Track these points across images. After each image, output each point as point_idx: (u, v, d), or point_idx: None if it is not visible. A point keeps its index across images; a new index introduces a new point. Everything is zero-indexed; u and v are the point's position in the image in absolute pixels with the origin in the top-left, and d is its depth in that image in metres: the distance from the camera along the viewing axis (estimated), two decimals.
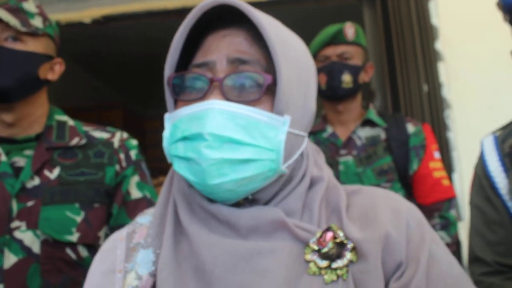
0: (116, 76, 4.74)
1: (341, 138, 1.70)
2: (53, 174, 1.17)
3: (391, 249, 0.63)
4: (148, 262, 0.66)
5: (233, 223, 0.63)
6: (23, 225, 1.11)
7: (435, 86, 2.20)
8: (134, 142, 1.29)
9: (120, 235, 0.74)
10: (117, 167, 1.22)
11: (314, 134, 1.72)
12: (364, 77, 1.71)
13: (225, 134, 0.59)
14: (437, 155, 1.70)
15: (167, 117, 0.67)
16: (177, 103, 0.67)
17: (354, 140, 1.69)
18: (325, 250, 0.61)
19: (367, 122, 1.72)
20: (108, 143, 1.25)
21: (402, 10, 2.29)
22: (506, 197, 0.98)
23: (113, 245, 0.72)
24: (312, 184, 0.69)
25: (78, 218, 1.14)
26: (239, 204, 0.66)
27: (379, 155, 1.65)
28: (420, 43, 2.24)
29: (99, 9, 2.60)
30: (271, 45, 0.61)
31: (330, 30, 1.68)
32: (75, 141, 1.22)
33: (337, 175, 1.63)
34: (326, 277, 0.60)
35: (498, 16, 1.03)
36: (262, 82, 0.62)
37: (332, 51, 1.67)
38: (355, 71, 1.66)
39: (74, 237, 1.13)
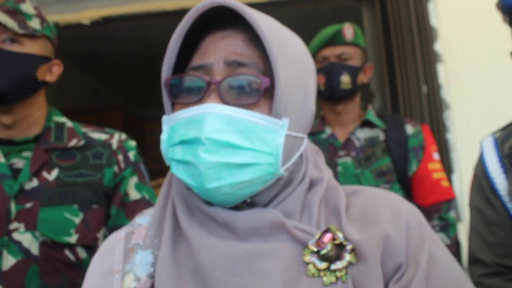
0: (115, 78, 4.74)
1: (339, 139, 1.70)
2: (52, 175, 1.16)
3: (391, 251, 0.63)
4: (147, 263, 0.66)
5: (232, 226, 0.62)
6: (21, 226, 1.10)
7: (434, 87, 2.20)
8: (132, 143, 1.29)
9: (118, 235, 0.73)
10: (116, 168, 1.22)
11: (313, 135, 1.72)
12: (362, 78, 1.71)
13: (223, 138, 0.59)
14: (436, 156, 1.70)
15: (165, 119, 0.67)
16: (174, 106, 0.67)
17: (352, 141, 1.69)
18: (324, 251, 0.61)
19: (366, 123, 1.71)
20: (106, 144, 1.25)
21: (401, 11, 2.29)
22: (505, 198, 0.98)
23: (111, 246, 0.72)
24: (312, 185, 0.68)
25: (77, 220, 1.14)
26: (238, 207, 0.65)
27: (378, 156, 1.65)
28: (419, 44, 2.24)
29: (98, 11, 2.60)
30: (269, 47, 0.60)
31: (328, 30, 1.68)
32: (73, 142, 1.22)
33: (336, 176, 1.62)
34: (325, 279, 0.60)
35: (497, 17, 1.03)
36: (260, 86, 0.61)
37: (331, 52, 1.67)
38: (354, 72, 1.66)
39: (73, 238, 1.12)
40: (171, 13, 2.53)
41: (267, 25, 0.62)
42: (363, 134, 1.70)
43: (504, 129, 1.05)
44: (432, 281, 0.62)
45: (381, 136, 1.68)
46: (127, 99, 5.23)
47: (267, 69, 0.63)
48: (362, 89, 1.76)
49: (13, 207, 1.11)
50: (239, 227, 0.62)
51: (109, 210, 1.20)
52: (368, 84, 2.35)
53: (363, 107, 1.79)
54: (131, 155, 1.26)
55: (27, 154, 1.18)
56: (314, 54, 1.69)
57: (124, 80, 4.77)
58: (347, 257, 0.61)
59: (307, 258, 0.61)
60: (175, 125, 0.63)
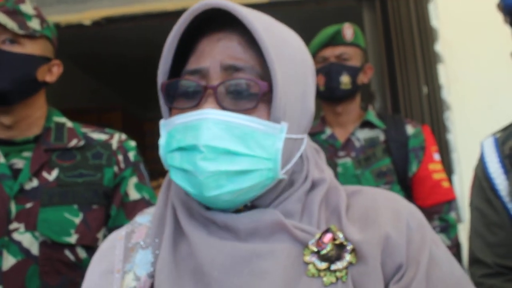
0: (116, 78, 4.74)
1: (339, 140, 1.70)
2: (52, 175, 1.16)
3: (391, 251, 0.62)
4: (147, 263, 0.66)
5: (232, 227, 0.62)
6: (21, 226, 1.10)
7: (434, 88, 2.20)
8: (132, 143, 1.29)
9: (118, 234, 0.73)
10: (116, 168, 1.22)
11: (313, 135, 1.71)
12: (363, 78, 1.71)
13: (221, 145, 0.58)
14: (437, 156, 1.70)
15: (163, 124, 0.66)
16: (172, 110, 0.66)
17: (352, 141, 1.69)
18: (324, 251, 0.60)
19: (366, 124, 1.71)
20: (106, 144, 1.25)
21: (402, 12, 2.29)
22: (506, 198, 0.98)
23: (111, 245, 0.72)
24: (314, 186, 0.68)
25: (77, 220, 1.14)
26: (238, 209, 0.65)
27: (378, 157, 1.65)
28: (420, 45, 2.24)
29: (99, 11, 2.60)
30: (266, 51, 0.59)
31: (328, 31, 1.67)
32: (73, 142, 1.22)
33: (336, 177, 1.61)
34: (325, 279, 0.59)
35: (498, 17, 1.03)
36: (257, 90, 0.60)
37: (331, 52, 1.66)
38: (354, 72, 1.65)
39: (73, 238, 1.12)
40: (172, 14, 2.53)
41: (263, 26, 0.61)
42: (363, 134, 1.70)
43: (504, 129, 1.05)
44: (432, 282, 0.61)
45: (382, 137, 1.68)
46: (127, 99, 5.23)
47: (265, 71, 0.61)
48: (362, 89, 1.75)
49: (13, 207, 1.11)
50: (239, 228, 0.62)
51: (109, 210, 1.20)
52: (369, 84, 2.35)
53: (364, 107, 1.78)
54: (131, 155, 1.26)
55: (27, 154, 1.18)
56: (314, 55, 1.68)
57: (125, 81, 4.77)
58: (347, 257, 0.61)
59: (307, 258, 0.61)
60: (172, 130, 0.63)
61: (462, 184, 2.08)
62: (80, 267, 1.13)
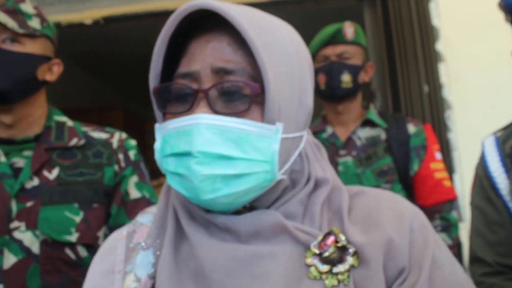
0: (117, 78, 4.74)
1: (340, 139, 1.69)
2: (52, 174, 1.17)
3: (394, 254, 0.62)
4: (148, 263, 0.65)
5: (233, 230, 0.61)
6: (22, 225, 1.11)
7: (435, 87, 2.20)
8: (133, 142, 1.29)
9: (120, 234, 0.73)
10: (116, 167, 1.22)
11: (314, 134, 1.71)
12: (364, 77, 1.70)
13: (214, 151, 0.57)
14: (438, 155, 1.69)
15: (157, 128, 0.65)
16: (165, 114, 0.65)
17: (354, 140, 1.68)
18: (326, 254, 0.60)
19: (367, 123, 1.70)
20: (107, 143, 1.25)
21: (403, 11, 2.29)
22: (507, 197, 0.98)
23: (113, 245, 0.72)
24: (316, 186, 0.67)
25: (77, 218, 1.14)
26: (238, 211, 0.64)
27: (379, 155, 1.64)
28: (421, 44, 2.24)
29: (99, 10, 2.60)
30: (255, 51, 0.58)
31: (329, 29, 1.67)
32: (74, 141, 1.22)
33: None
34: (327, 282, 0.59)
35: (499, 16, 1.03)
36: (249, 92, 0.58)
37: (331, 51, 1.66)
38: (355, 71, 1.65)
39: (73, 237, 1.13)
40: (173, 13, 2.52)
41: (252, 24, 0.59)
42: (364, 133, 1.69)
43: (505, 128, 1.05)
44: (435, 285, 0.61)
45: (383, 136, 1.67)
46: (128, 99, 5.23)
47: (257, 72, 0.60)
48: (363, 88, 1.75)
49: (14, 206, 1.11)
50: (240, 230, 0.61)
51: (109, 209, 1.20)
52: (369, 83, 2.35)
53: (365, 106, 1.78)
54: (132, 154, 1.26)
55: (27, 153, 1.18)
56: (315, 53, 1.68)
57: (126, 80, 4.77)
58: (350, 260, 0.60)
59: (309, 260, 0.60)
60: (166, 135, 0.62)
61: (463, 183, 2.08)
62: (81, 266, 1.14)
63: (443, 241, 0.68)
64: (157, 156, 0.64)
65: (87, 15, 2.61)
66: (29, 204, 1.12)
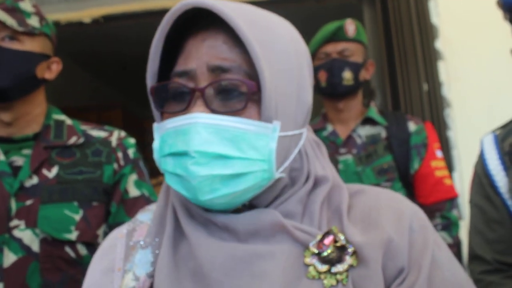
0: (116, 76, 4.74)
1: (341, 137, 1.69)
2: (52, 173, 1.17)
3: (393, 254, 0.61)
4: (146, 262, 0.65)
5: (231, 229, 0.61)
6: (22, 223, 1.11)
7: (435, 85, 2.20)
8: (131, 140, 1.29)
9: (120, 232, 0.73)
10: (115, 165, 1.22)
11: (314, 132, 1.70)
12: (365, 75, 1.70)
13: (212, 150, 0.57)
14: (439, 154, 1.68)
15: (155, 127, 0.64)
16: (163, 113, 0.65)
17: (354, 138, 1.68)
18: (325, 254, 0.60)
19: (368, 121, 1.70)
20: (106, 141, 1.25)
21: (402, 9, 2.29)
22: (505, 195, 0.98)
23: (113, 243, 0.72)
24: (316, 185, 0.66)
25: (77, 217, 1.14)
26: (238, 209, 0.64)
27: (379, 153, 1.64)
28: (420, 42, 2.24)
29: (99, 9, 2.60)
30: (251, 49, 0.57)
31: (330, 27, 1.66)
32: (73, 140, 1.22)
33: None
34: (325, 281, 0.59)
35: (498, 15, 1.03)
36: (245, 90, 0.58)
37: (333, 48, 1.65)
38: (356, 68, 1.64)
39: (73, 235, 1.13)
40: None
41: (247, 22, 0.59)
42: (365, 131, 1.69)
43: (504, 126, 1.05)
44: (435, 285, 0.61)
45: (383, 134, 1.67)
46: (127, 97, 5.23)
47: (253, 69, 0.59)
48: (363, 86, 1.75)
49: (13, 204, 1.12)
50: (238, 229, 0.61)
51: (109, 207, 1.21)
52: (369, 81, 2.35)
53: (366, 104, 1.77)
54: (131, 152, 1.26)
55: (26, 151, 1.18)
56: (316, 51, 1.67)
57: (125, 79, 4.77)
58: (348, 260, 0.60)
59: (308, 260, 0.60)
60: (164, 135, 0.62)
61: (462, 181, 2.08)
62: (81, 264, 1.14)
63: (443, 240, 0.68)
64: (156, 155, 0.64)
65: (86, 14, 2.60)
66: (28, 202, 1.12)
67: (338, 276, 0.59)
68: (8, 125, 1.19)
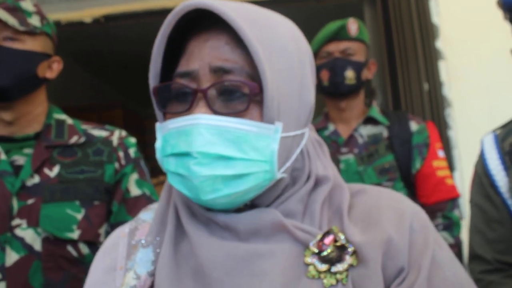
0: (117, 76, 4.74)
1: (342, 136, 1.69)
2: (53, 172, 1.17)
3: (393, 254, 0.61)
4: (147, 261, 0.65)
5: (232, 228, 0.62)
6: (23, 223, 1.11)
7: (435, 84, 2.20)
8: (132, 140, 1.29)
9: (122, 231, 0.73)
10: (116, 165, 1.23)
11: (316, 131, 1.70)
12: (367, 74, 1.69)
13: (214, 151, 0.57)
14: (441, 153, 1.67)
15: (158, 127, 0.65)
16: (166, 114, 0.65)
17: (355, 138, 1.68)
18: (325, 253, 0.60)
19: (370, 120, 1.70)
20: (107, 141, 1.25)
21: (403, 9, 2.29)
22: (506, 195, 0.98)
23: (115, 242, 0.72)
24: (317, 184, 0.67)
25: (79, 216, 1.14)
26: (239, 209, 0.64)
27: (381, 153, 1.63)
28: (421, 41, 2.24)
29: (99, 9, 2.60)
30: (252, 50, 0.57)
31: (332, 26, 1.65)
32: (74, 139, 1.22)
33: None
34: (325, 281, 0.59)
35: (498, 15, 1.03)
36: (247, 92, 0.58)
37: (335, 47, 1.64)
38: (358, 67, 1.64)
39: (75, 234, 1.13)
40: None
41: (249, 22, 0.59)
42: (366, 131, 1.68)
43: (504, 126, 1.05)
44: (435, 285, 0.60)
45: (385, 133, 1.67)
46: (128, 97, 5.23)
47: (256, 70, 0.59)
48: (365, 85, 1.75)
49: (15, 203, 1.12)
50: (239, 228, 0.61)
51: (110, 206, 1.21)
52: (370, 81, 2.35)
53: (368, 103, 1.77)
54: (132, 151, 1.27)
55: (28, 151, 1.19)
56: (318, 50, 1.67)
57: (126, 78, 4.77)
58: (348, 259, 0.60)
59: (308, 259, 0.60)
60: (166, 135, 0.62)
61: (463, 180, 2.08)
62: (83, 263, 1.14)
63: (444, 240, 0.68)
64: (158, 155, 0.64)
65: (87, 14, 2.61)
66: (30, 201, 1.13)
67: (338, 276, 0.59)
68: (9, 124, 1.19)
